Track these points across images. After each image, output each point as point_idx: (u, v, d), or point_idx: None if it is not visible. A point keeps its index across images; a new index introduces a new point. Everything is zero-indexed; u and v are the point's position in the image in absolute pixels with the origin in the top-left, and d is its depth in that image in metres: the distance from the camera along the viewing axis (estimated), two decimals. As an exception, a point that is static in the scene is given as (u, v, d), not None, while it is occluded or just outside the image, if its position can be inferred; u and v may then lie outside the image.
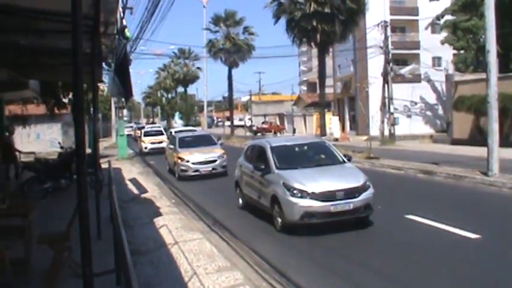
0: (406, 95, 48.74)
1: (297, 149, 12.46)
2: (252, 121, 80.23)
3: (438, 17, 43.29)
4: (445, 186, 16.58)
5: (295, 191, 10.17)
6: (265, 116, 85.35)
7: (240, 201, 13.57)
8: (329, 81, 50.24)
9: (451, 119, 35.67)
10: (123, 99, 35.54)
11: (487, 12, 16.50)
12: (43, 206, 11.16)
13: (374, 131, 43.76)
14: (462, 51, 42.70)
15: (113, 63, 13.99)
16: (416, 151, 29.23)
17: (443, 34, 44.90)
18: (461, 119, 32.77)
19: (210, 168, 20.68)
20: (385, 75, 39.85)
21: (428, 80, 51.71)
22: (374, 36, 41.24)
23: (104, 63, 13.62)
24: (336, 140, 44.85)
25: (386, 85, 39.83)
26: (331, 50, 41.11)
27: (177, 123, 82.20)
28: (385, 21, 40.30)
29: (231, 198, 14.29)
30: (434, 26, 47.57)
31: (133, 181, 20.13)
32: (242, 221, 12.32)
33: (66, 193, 15.47)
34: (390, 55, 39.84)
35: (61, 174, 16.44)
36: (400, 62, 50.95)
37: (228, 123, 68.19)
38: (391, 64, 40.16)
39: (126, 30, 11.65)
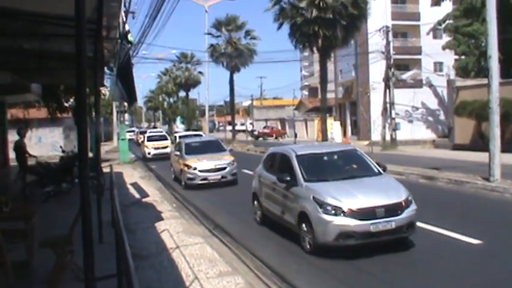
0: (408, 100, 48.78)
1: (325, 158, 11.03)
2: (253, 126, 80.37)
3: (440, 22, 43.38)
4: (446, 191, 16.56)
5: (328, 208, 8.83)
6: (266, 120, 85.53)
7: (258, 215, 12.22)
8: (331, 86, 50.31)
9: (452, 124, 35.66)
10: (125, 104, 35.66)
11: (488, 17, 16.52)
12: (45, 210, 11.16)
13: (375, 136, 43.83)
14: (463, 57, 42.74)
15: (115, 67, 14.05)
16: (418, 156, 29.20)
17: (445, 40, 45.02)
18: (463, 125, 32.76)
19: (219, 177, 19.43)
20: (386, 80, 39.89)
21: (430, 85, 51.77)
22: (376, 42, 41.33)
23: (106, 68, 13.65)
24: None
25: (387, 90, 39.87)
26: (332, 55, 41.19)
27: (179, 127, 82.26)
28: (387, 27, 40.38)
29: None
30: (435, 31, 47.66)
31: (135, 185, 20.13)
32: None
33: (68, 197, 15.52)
34: (392, 60, 39.89)
35: (63, 178, 16.48)
36: (401, 67, 51.04)
37: (229, 127, 68.26)
38: (392, 69, 40.21)
39: (129, 34, 11.69)
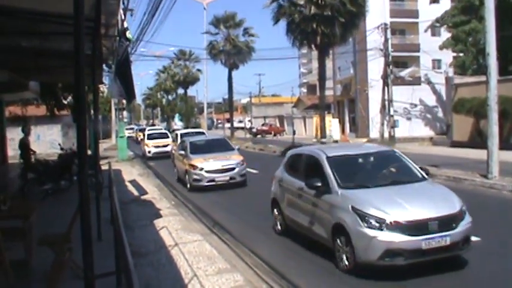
0: (406, 97, 48.80)
1: (361, 160, 9.64)
2: (252, 123, 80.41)
3: (438, 20, 43.40)
4: (444, 188, 16.55)
5: (371, 220, 7.55)
6: (265, 118, 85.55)
7: (279, 224, 10.85)
8: (329, 84, 50.26)
9: (450, 121, 35.70)
10: (123, 101, 35.59)
11: (487, 15, 16.53)
12: (43, 208, 11.16)
13: (374, 133, 43.89)
14: (461, 54, 42.80)
15: (113, 64, 14.04)
16: (416, 153, 29.15)
17: (443, 37, 45.03)
18: (461, 122, 32.80)
19: (228, 178, 18.14)
20: (385, 77, 39.91)
21: (428, 83, 51.78)
22: (374, 39, 41.32)
23: (104, 65, 13.66)
24: (336, 142, 44.94)
25: (386, 87, 39.89)
26: (331, 52, 41.09)
27: (177, 124, 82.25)
28: (385, 24, 40.38)
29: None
30: (434, 29, 47.67)
31: (133, 183, 20.13)
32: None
33: (66, 195, 15.51)
34: (390, 57, 39.90)
35: (61, 176, 16.49)
36: (400, 64, 51.02)
37: (228, 125, 68.24)
38: (391, 66, 40.21)
39: (127, 32, 11.68)
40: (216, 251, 9.28)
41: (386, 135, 39.67)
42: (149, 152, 34.50)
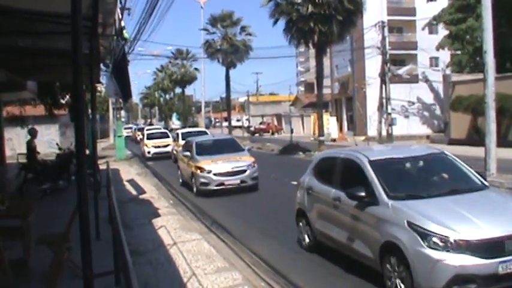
0: (404, 95, 48.87)
1: (408, 164, 8.30)
2: (249, 122, 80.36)
3: (435, 18, 43.46)
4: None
5: (435, 239, 6.19)
6: (262, 116, 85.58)
7: (307, 239, 9.33)
8: (327, 82, 50.36)
9: (448, 119, 35.76)
10: (121, 100, 35.50)
11: (484, 12, 16.55)
12: (41, 207, 11.16)
13: (371, 131, 43.93)
14: (459, 52, 42.88)
15: (110, 64, 14.02)
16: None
17: (441, 35, 45.08)
18: (459, 119, 32.85)
19: (238, 181, 16.61)
20: (382, 75, 39.94)
21: (426, 80, 51.86)
22: (371, 37, 41.35)
23: (101, 64, 13.65)
24: (334, 140, 45.01)
25: (383, 85, 39.92)
26: (328, 50, 41.10)
27: (175, 123, 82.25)
28: (383, 22, 40.37)
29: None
30: (431, 27, 47.71)
31: (132, 182, 20.13)
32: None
33: (65, 194, 15.52)
34: (388, 55, 39.91)
35: (59, 175, 16.49)
36: (397, 62, 51.09)
37: (225, 123, 68.20)
38: (388, 64, 40.23)
39: (124, 31, 11.67)
40: (214, 250, 9.29)
41: (384, 133, 39.72)
42: (149, 152, 33.14)
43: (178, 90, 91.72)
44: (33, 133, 16.78)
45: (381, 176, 7.45)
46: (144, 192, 17.32)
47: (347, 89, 55.75)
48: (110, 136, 50.18)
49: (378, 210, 7.10)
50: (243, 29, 56.03)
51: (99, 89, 31.01)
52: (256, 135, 66.67)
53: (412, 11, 52.40)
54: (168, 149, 32.09)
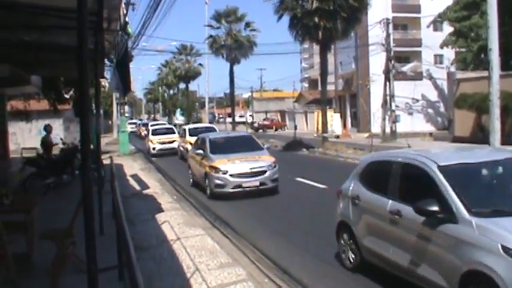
0: (408, 92, 48.73)
1: (485, 171, 6.73)
2: (253, 118, 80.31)
3: (440, 15, 43.32)
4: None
5: None
6: (266, 112, 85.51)
7: (351, 257, 7.87)
8: (331, 78, 50.22)
9: (452, 116, 35.65)
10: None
11: (489, 10, 16.46)
12: (45, 202, 11.18)
13: (375, 128, 43.83)
14: (464, 49, 42.75)
15: (115, 58, 14.03)
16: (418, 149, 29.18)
17: (446, 32, 44.94)
18: (463, 117, 32.75)
19: (257, 183, 15.05)
20: (386, 72, 39.87)
21: (430, 78, 51.73)
22: (376, 34, 41.26)
23: (106, 59, 13.66)
24: (338, 137, 44.96)
25: (387, 82, 39.87)
26: (333, 47, 41.01)
27: (179, 119, 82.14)
28: (387, 19, 40.31)
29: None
30: (436, 24, 47.54)
31: (135, 177, 20.16)
32: None
33: (68, 189, 15.55)
34: (392, 52, 39.87)
35: (63, 170, 16.51)
36: (401, 59, 50.97)
37: (229, 119, 68.15)
38: (392, 61, 40.19)
39: (128, 26, 11.68)
40: (218, 246, 9.29)
41: (387, 130, 39.71)
42: (153, 148, 32.24)
43: (182, 85, 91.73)
44: (48, 129, 17.42)
45: (457, 186, 5.96)
46: (147, 187, 17.34)
47: (351, 85, 55.66)
48: (113, 131, 50.22)
49: (456, 229, 5.67)
50: (247, 24, 56.04)
51: (103, 84, 31.02)
52: (260, 131, 66.58)
53: (416, 8, 52.25)
54: (174, 145, 31.20)
